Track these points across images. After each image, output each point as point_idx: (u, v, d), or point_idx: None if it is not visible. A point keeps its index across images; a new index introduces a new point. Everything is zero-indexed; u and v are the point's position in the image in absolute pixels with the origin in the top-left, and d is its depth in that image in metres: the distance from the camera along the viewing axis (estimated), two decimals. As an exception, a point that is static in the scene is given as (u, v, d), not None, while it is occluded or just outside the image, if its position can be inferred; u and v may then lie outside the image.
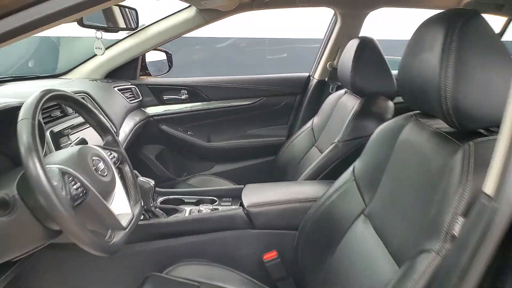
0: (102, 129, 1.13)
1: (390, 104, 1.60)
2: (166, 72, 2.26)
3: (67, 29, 1.62)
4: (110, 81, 2.00)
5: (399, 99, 1.31)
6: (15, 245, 0.91)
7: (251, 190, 1.50)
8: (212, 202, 1.53)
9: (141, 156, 2.19)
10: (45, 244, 0.94)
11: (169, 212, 1.46)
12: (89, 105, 1.08)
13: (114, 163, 1.10)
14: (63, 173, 0.87)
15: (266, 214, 1.36)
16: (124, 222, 1.02)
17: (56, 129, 1.29)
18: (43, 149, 1.14)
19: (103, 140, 1.14)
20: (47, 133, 1.22)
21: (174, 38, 2.03)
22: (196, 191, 1.60)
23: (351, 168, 1.20)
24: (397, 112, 1.30)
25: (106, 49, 1.98)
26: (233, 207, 1.45)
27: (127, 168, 1.17)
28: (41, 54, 2.45)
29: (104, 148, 1.10)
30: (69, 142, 1.26)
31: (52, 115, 1.31)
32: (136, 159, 2.16)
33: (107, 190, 0.99)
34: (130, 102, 2.01)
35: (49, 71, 1.99)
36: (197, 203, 1.54)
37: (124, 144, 1.73)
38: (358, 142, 1.52)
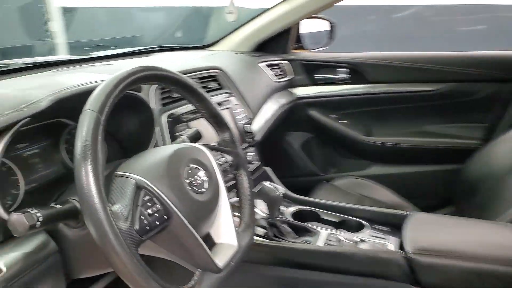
0: (217, 123, 0.85)
1: None
2: (326, 46, 1.86)
3: None
4: (257, 55, 1.73)
5: None
6: (90, 264, 0.75)
7: (419, 223, 1.03)
8: (359, 227, 1.12)
9: (284, 144, 1.89)
10: None
11: (298, 231, 1.11)
12: (200, 90, 0.80)
13: (224, 170, 0.80)
14: (139, 187, 0.62)
15: (442, 271, 0.90)
16: (221, 260, 0.72)
17: (178, 112, 1.06)
18: (150, 140, 0.92)
19: (218, 136, 0.85)
20: (163, 118, 0.99)
21: (337, 2, 1.60)
22: (340, 206, 1.21)
23: None
24: None
25: (255, 17, 1.71)
26: (389, 246, 1.01)
27: (244, 178, 0.86)
28: (190, 24, 2.38)
29: (215, 149, 0.81)
30: (185, 130, 1.01)
31: (173, 95, 1.08)
32: (278, 147, 1.88)
33: (202, 214, 0.71)
34: (277, 80, 1.70)
35: (197, 41, 1.84)
36: (338, 224, 1.14)
37: (265, 130, 1.44)
38: None
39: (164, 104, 1.01)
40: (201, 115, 0.83)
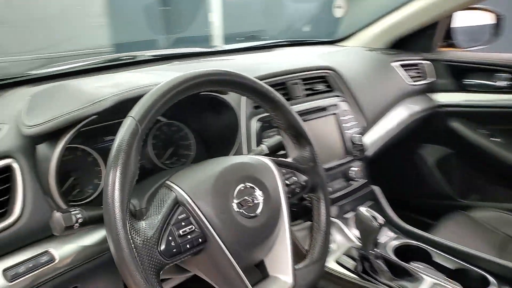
0: (295, 136, 0.74)
1: None
2: (487, 44, 1.51)
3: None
4: (392, 52, 1.51)
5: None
6: None
7: None
8: (481, 283, 0.87)
9: (413, 159, 1.62)
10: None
11: (397, 271, 0.92)
12: (277, 97, 0.70)
13: (292, 192, 0.70)
14: (177, 203, 0.58)
15: None
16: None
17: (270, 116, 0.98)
18: (233, 144, 0.88)
19: (295, 151, 0.75)
20: (253, 122, 0.93)
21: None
22: (461, 251, 0.95)
23: None
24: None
25: (396, 9, 1.48)
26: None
27: (321, 203, 0.74)
28: (321, 17, 2.21)
29: (287, 166, 0.71)
30: (270, 137, 0.92)
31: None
32: (402, 161, 1.63)
33: (249, 241, 0.63)
34: (412, 83, 1.46)
35: (326, 36, 1.71)
36: (453, 273, 0.91)
37: (384, 141, 1.26)
38: None
39: (256, 107, 0.95)
40: (277, 126, 0.74)
